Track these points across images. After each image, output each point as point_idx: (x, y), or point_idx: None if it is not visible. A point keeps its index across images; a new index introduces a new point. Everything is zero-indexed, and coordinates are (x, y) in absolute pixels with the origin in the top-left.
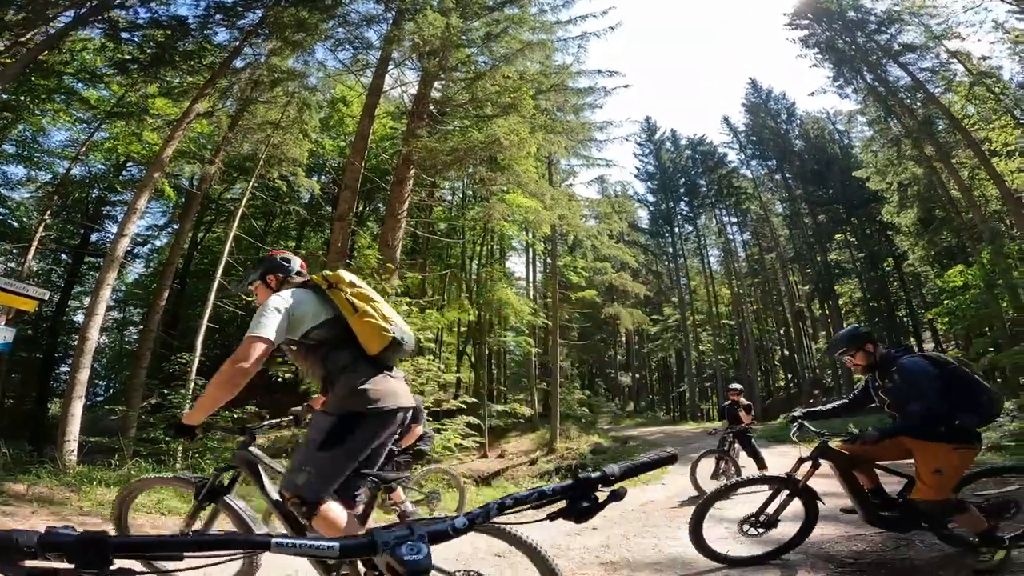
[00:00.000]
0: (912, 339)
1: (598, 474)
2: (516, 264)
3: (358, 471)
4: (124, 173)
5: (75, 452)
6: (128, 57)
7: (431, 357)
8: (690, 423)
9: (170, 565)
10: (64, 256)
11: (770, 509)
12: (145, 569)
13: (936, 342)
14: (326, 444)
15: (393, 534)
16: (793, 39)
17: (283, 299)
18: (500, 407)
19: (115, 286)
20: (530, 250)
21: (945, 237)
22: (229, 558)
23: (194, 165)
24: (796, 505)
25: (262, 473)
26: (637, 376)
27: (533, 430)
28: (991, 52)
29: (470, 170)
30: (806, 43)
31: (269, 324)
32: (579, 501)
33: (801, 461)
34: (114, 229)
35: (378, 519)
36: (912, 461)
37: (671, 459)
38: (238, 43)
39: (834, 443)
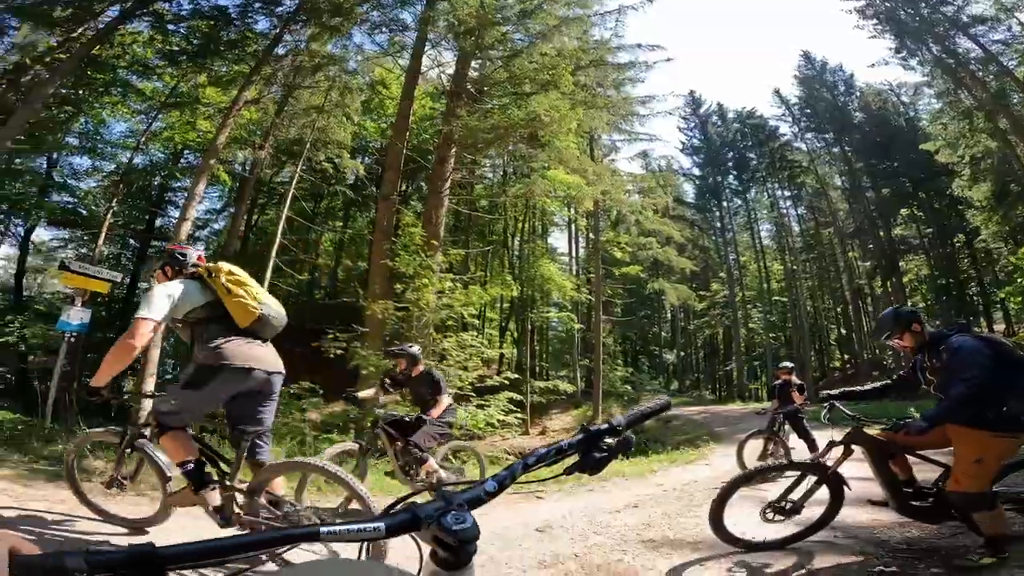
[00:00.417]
0: (982, 319)
1: (605, 426)
2: (558, 240)
3: (234, 427)
4: (182, 160)
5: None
6: (176, 48)
7: (474, 332)
8: (737, 403)
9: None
10: (132, 240)
11: (795, 495)
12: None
13: (1007, 322)
14: (187, 385)
15: (432, 507)
16: (849, 9)
17: (168, 288)
18: (542, 384)
19: None
20: (572, 226)
21: (1020, 212)
22: (285, 551)
23: (246, 151)
24: (823, 491)
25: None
26: (682, 354)
27: (575, 407)
28: None
29: (510, 147)
30: (864, 14)
31: (156, 307)
32: (591, 453)
33: (832, 445)
34: (176, 214)
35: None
36: (950, 449)
37: (667, 406)
38: (278, 30)
39: (872, 430)
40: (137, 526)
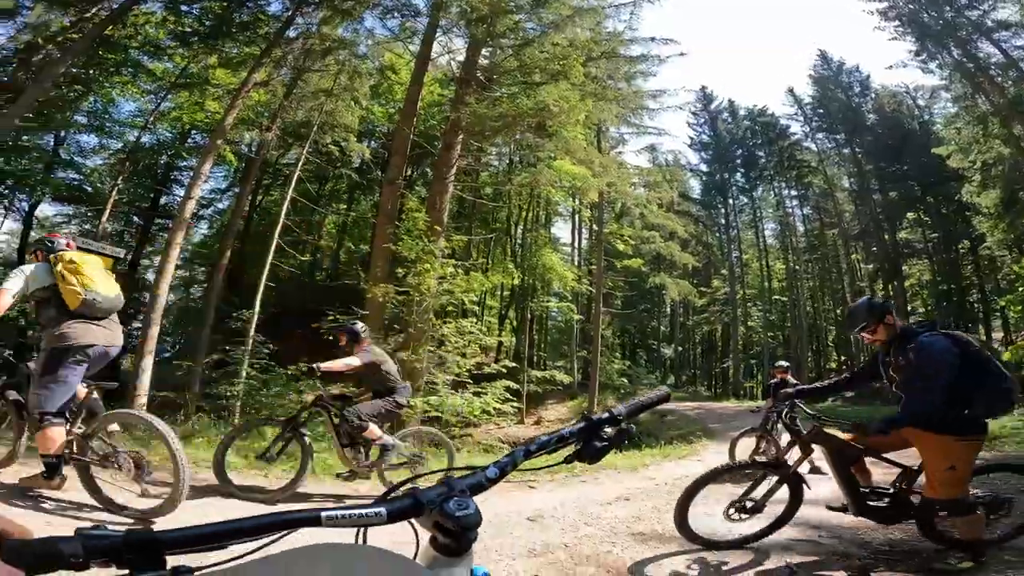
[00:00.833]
0: (981, 326)
1: (606, 415)
2: (562, 230)
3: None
4: (189, 140)
5: (145, 406)
6: (188, 29)
7: (474, 319)
8: (732, 400)
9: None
10: (136, 218)
11: (756, 494)
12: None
13: (1006, 330)
14: (43, 374)
15: (435, 492)
16: (871, 11)
17: (26, 268)
18: (539, 373)
19: (182, 246)
20: (576, 216)
21: None
22: (282, 536)
23: (253, 132)
24: (785, 490)
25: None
26: (680, 349)
27: (571, 398)
28: None
29: (517, 136)
30: (886, 15)
31: (12, 283)
32: (591, 442)
33: (792, 444)
34: (181, 193)
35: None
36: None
37: (667, 397)
38: (290, 13)
39: (832, 429)
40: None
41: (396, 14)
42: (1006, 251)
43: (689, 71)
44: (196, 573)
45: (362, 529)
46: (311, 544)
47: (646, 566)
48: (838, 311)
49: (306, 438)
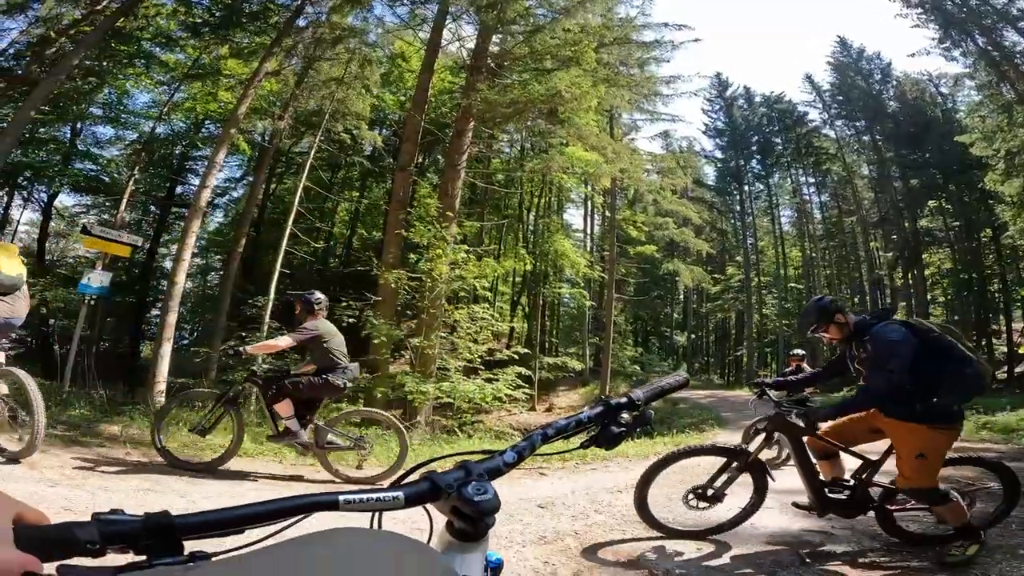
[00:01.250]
0: (1002, 316)
1: (625, 399)
2: (574, 216)
3: None
4: (203, 130)
5: (164, 393)
6: (199, 20)
7: (486, 305)
8: (745, 388)
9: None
10: (152, 207)
11: (718, 482)
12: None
13: None
14: None
15: (452, 476)
16: None
17: None
18: (551, 360)
19: (198, 234)
20: (588, 203)
21: None
22: (299, 519)
23: (265, 121)
24: (746, 478)
25: None
26: (693, 336)
27: (583, 384)
28: None
29: (529, 123)
30: (908, 2)
31: None
32: (608, 427)
33: (756, 432)
34: (197, 182)
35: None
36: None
37: (685, 383)
38: (299, 2)
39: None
40: None
41: (406, 1)
42: None
43: (704, 57)
44: (214, 558)
45: (377, 514)
46: (328, 528)
47: (656, 553)
48: (855, 299)
49: (240, 410)
